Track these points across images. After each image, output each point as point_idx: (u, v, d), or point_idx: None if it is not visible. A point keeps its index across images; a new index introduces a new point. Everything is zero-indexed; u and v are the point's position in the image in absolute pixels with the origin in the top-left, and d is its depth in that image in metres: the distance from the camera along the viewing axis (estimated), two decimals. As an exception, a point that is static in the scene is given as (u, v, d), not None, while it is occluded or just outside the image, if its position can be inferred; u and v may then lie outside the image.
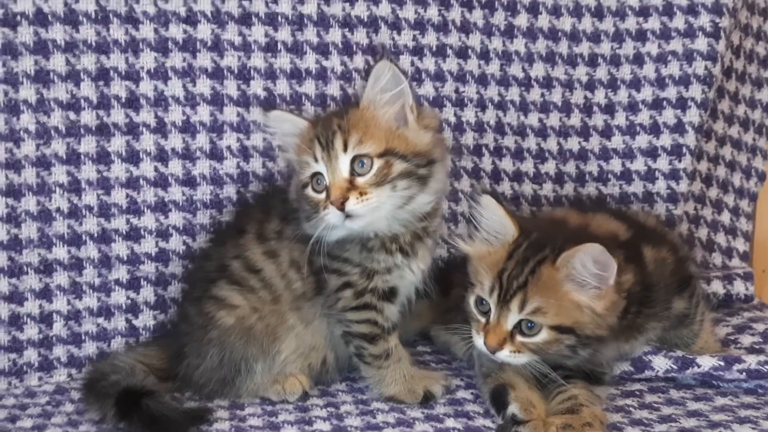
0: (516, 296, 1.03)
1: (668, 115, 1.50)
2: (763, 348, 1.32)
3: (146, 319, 1.34)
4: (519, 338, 1.04)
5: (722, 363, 1.15)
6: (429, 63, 1.43)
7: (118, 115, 1.28)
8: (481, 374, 1.15)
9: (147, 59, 1.28)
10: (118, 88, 1.28)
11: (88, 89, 1.26)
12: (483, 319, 1.07)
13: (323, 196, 1.08)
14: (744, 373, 1.14)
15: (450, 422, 1.07)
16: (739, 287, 1.53)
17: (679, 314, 1.21)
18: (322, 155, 1.08)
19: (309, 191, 1.10)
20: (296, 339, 1.18)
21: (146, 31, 1.27)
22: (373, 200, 1.06)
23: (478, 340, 1.06)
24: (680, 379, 1.20)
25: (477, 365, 1.18)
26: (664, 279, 1.14)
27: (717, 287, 1.52)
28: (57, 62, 1.24)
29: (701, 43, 1.47)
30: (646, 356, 1.20)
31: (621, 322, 1.07)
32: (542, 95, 1.50)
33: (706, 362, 1.16)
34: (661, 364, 1.18)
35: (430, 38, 1.42)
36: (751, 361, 1.14)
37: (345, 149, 1.07)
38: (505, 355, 1.04)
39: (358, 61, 1.38)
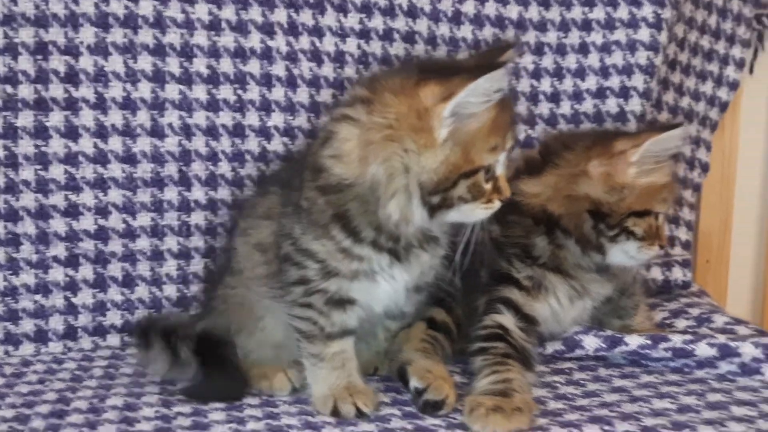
0: None
1: (611, 104, 1.53)
2: (697, 331, 1.34)
3: (85, 297, 1.33)
4: None
5: (649, 342, 1.17)
6: (376, 46, 1.43)
7: (56, 90, 1.28)
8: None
9: (87, 34, 1.28)
10: (57, 62, 1.27)
11: (26, 63, 1.25)
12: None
13: None
14: (670, 352, 1.17)
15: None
16: (677, 273, 1.56)
17: (622, 284, 1.27)
18: None
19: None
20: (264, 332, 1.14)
21: (86, 5, 1.27)
22: None
23: (653, 249, 1.17)
24: (611, 358, 1.23)
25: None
26: None
27: (656, 273, 1.55)
28: (-6, 35, 1.24)
29: (644, 34, 1.50)
30: (577, 336, 1.22)
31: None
32: (489, 82, 1.52)
33: (634, 341, 1.18)
34: (591, 342, 1.20)
35: (377, 22, 1.43)
36: (677, 340, 1.17)
37: None
38: None
39: (304, 42, 1.39)
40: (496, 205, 1.01)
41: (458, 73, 0.98)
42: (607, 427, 0.96)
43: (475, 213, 0.99)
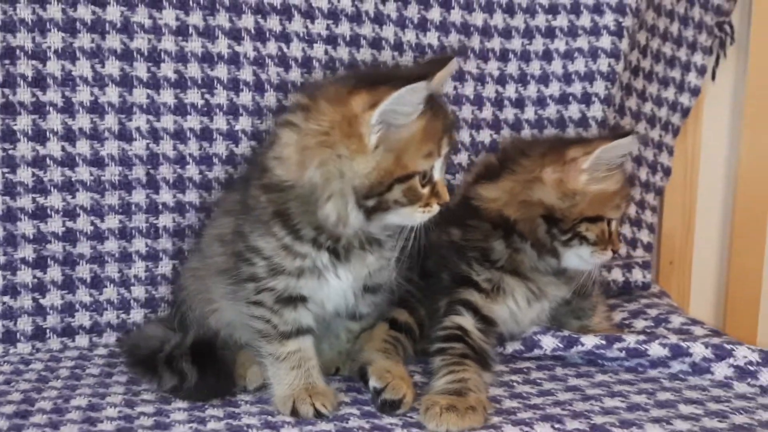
0: None
1: (574, 110, 1.57)
2: (654, 331, 1.38)
3: (53, 299, 1.34)
4: None
5: (604, 342, 1.21)
6: (343, 52, 1.46)
7: (24, 94, 1.29)
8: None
9: (54, 39, 1.29)
10: (25, 66, 1.28)
11: (-7, 67, 1.27)
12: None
13: None
14: (624, 352, 1.20)
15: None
16: (637, 275, 1.60)
17: (579, 287, 1.28)
18: None
19: None
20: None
21: (54, 11, 1.28)
22: None
23: (606, 254, 1.20)
24: (568, 358, 1.26)
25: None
26: None
27: (617, 275, 1.59)
28: (-38, 39, 1.25)
29: (605, 41, 1.54)
30: (535, 336, 1.25)
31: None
32: (455, 88, 1.54)
33: (589, 341, 1.21)
34: (548, 342, 1.24)
35: (344, 28, 1.45)
36: (631, 340, 1.20)
37: None
38: None
39: (272, 47, 1.41)
40: (435, 209, 1.04)
41: (389, 82, 1.00)
42: (557, 425, 0.99)
43: (413, 216, 1.03)
